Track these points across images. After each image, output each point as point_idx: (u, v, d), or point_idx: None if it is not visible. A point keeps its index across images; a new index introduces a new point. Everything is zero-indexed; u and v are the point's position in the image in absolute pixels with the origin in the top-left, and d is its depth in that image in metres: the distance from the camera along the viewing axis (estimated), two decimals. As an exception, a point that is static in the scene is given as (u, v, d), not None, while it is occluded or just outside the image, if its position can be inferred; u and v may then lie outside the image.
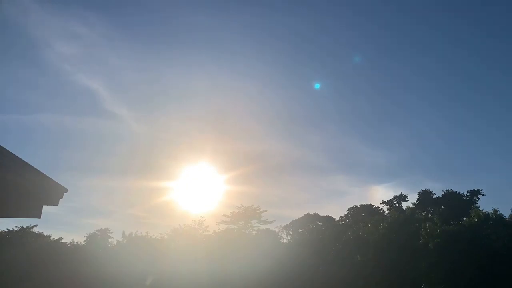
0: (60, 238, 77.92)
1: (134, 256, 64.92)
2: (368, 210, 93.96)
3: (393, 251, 57.76)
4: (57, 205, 7.50)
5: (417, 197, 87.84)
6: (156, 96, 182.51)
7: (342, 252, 63.71)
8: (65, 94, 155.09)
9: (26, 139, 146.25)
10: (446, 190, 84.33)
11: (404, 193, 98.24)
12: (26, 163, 7.44)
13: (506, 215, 59.86)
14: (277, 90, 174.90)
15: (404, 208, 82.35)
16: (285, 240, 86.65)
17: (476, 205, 75.86)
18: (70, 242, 78.38)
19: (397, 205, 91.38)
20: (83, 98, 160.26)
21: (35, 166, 7.41)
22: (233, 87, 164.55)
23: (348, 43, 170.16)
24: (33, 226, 74.71)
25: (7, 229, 73.88)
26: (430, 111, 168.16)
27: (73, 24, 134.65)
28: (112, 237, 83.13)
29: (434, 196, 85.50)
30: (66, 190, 7.45)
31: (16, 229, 73.88)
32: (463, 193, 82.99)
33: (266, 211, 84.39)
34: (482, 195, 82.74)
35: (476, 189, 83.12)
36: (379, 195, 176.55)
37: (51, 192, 7.37)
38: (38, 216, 7.45)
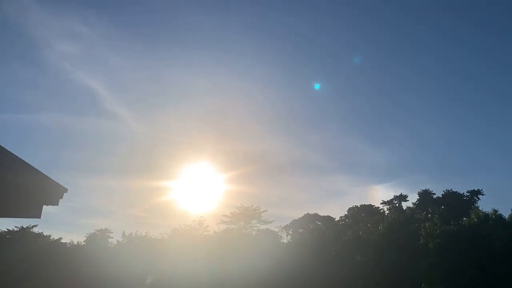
0: (60, 238, 78.06)
1: (134, 256, 64.94)
2: (368, 210, 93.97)
3: (393, 251, 57.75)
4: (57, 205, 7.50)
5: (417, 197, 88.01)
6: (156, 96, 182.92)
7: (342, 252, 63.69)
8: (65, 93, 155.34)
9: (26, 139, 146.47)
10: (446, 190, 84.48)
11: (404, 193, 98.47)
12: (26, 163, 7.44)
13: (506, 215, 59.82)
14: (277, 90, 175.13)
15: (404, 208, 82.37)
16: (285, 240, 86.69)
17: (476, 205, 75.88)
18: (70, 242, 78.55)
19: (397, 205, 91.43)
20: (83, 98, 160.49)
21: (35, 166, 7.41)
22: (233, 87, 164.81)
23: (348, 43, 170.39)
24: (33, 226, 74.79)
25: (7, 229, 74.03)
26: (430, 111, 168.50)
27: (73, 23, 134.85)
28: (112, 237, 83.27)
29: (434, 196, 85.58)
30: (66, 190, 7.45)
31: (16, 229, 73.95)
32: (463, 193, 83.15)
33: (266, 211, 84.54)
34: (482, 195, 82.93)
35: (476, 189, 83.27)
36: (379, 195, 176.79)
37: (51, 192, 7.37)
38: (38, 216, 7.45)
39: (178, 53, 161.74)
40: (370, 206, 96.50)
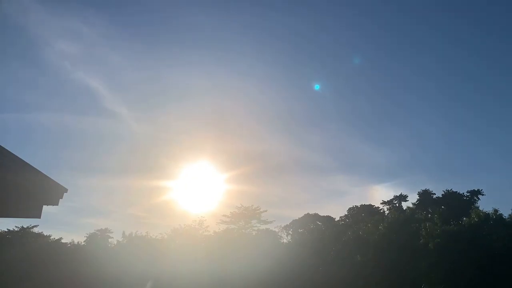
0: (60, 238, 77.90)
1: (134, 256, 64.93)
2: (368, 210, 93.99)
3: (393, 251, 57.75)
4: (57, 205, 7.50)
5: (417, 197, 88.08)
6: (156, 96, 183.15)
7: (342, 252, 63.67)
8: (65, 93, 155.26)
9: (26, 138, 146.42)
10: (446, 190, 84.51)
11: (404, 193, 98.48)
12: (26, 163, 7.44)
13: (506, 215, 59.82)
14: (277, 90, 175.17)
15: (404, 208, 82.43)
16: (285, 240, 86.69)
17: (476, 205, 75.83)
18: (70, 242, 78.42)
19: (397, 205, 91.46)
20: (83, 98, 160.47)
21: (35, 166, 7.41)
22: (233, 87, 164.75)
23: (348, 43, 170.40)
24: (33, 226, 74.69)
25: (7, 229, 73.94)
26: (430, 111, 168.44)
27: (73, 23, 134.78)
28: (112, 237, 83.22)
29: (434, 196, 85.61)
30: (66, 190, 7.45)
31: (16, 229, 73.89)
32: (463, 193, 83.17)
33: (266, 211, 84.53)
34: (482, 195, 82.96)
35: (476, 189, 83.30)
36: (379, 195, 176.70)
37: (51, 192, 7.37)
38: (38, 216, 7.45)
39: (178, 53, 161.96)
40: (370, 206, 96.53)
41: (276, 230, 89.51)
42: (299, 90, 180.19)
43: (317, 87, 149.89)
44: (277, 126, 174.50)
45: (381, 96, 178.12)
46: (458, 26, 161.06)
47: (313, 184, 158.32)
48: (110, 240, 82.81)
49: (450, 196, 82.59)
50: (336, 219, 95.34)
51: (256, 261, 60.84)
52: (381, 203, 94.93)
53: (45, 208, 7.48)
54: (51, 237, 76.96)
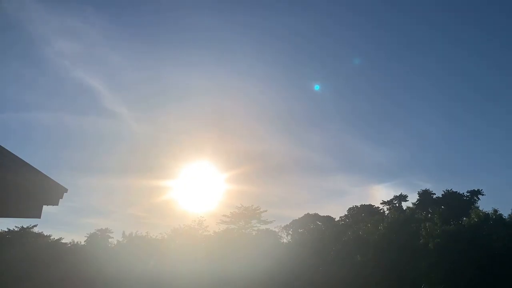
0: (60, 238, 77.91)
1: (134, 256, 64.94)
2: (368, 210, 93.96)
3: (393, 251, 57.75)
4: (57, 205, 7.51)
5: (417, 197, 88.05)
6: (156, 95, 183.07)
7: (342, 252, 63.68)
8: (65, 92, 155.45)
9: (26, 138, 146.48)
10: (446, 190, 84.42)
11: (404, 193, 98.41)
12: (26, 163, 7.45)
13: (506, 215, 59.88)
14: (277, 90, 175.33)
15: (404, 208, 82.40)
16: (285, 240, 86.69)
17: (476, 205, 75.81)
18: (70, 242, 78.41)
19: (397, 205, 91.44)
20: (83, 97, 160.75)
21: (35, 166, 7.41)
22: (233, 87, 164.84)
23: (348, 43, 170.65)
24: (33, 226, 74.66)
25: (7, 229, 73.88)
26: (430, 111, 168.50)
27: (73, 22, 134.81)
28: (112, 237, 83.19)
29: (434, 196, 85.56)
30: (66, 190, 7.46)
31: (16, 229, 73.84)
32: (463, 193, 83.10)
33: (266, 211, 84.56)
34: (482, 195, 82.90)
35: (476, 189, 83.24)
36: (379, 195, 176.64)
37: (51, 192, 7.38)
38: (38, 216, 7.45)
39: (178, 53, 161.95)
40: (370, 206, 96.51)
41: (276, 230, 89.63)
42: (299, 90, 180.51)
43: (317, 87, 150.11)
44: (277, 126, 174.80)
45: (381, 96, 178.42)
46: (458, 26, 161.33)
47: (313, 184, 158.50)
48: (110, 240, 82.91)
49: (450, 196, 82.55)
50: (336, 219, 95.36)
51: (256, 261, 60.84)
52: (381, 203, 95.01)
53: (45, 208, 7.48)
54: (51, 237, 77.01)
